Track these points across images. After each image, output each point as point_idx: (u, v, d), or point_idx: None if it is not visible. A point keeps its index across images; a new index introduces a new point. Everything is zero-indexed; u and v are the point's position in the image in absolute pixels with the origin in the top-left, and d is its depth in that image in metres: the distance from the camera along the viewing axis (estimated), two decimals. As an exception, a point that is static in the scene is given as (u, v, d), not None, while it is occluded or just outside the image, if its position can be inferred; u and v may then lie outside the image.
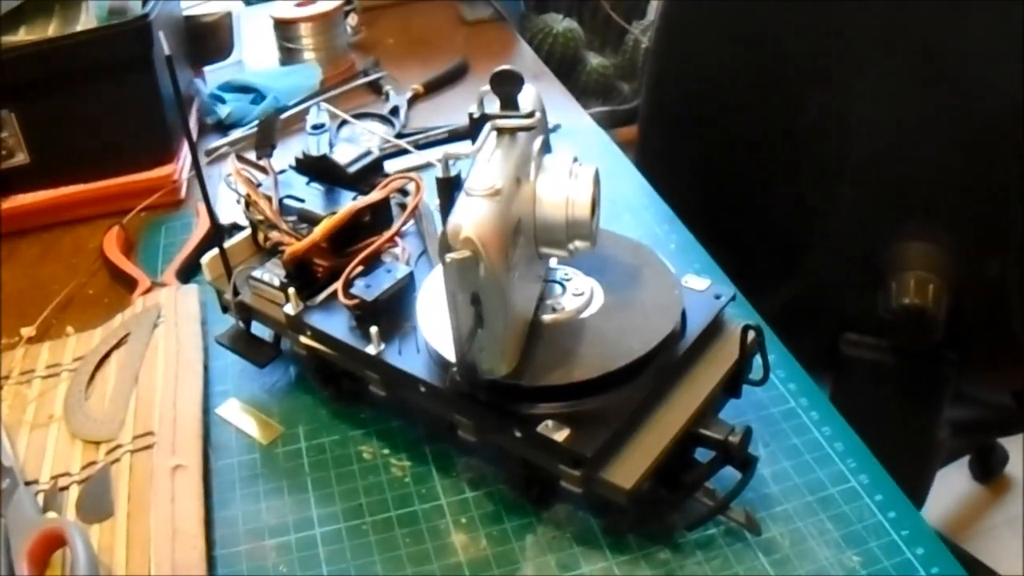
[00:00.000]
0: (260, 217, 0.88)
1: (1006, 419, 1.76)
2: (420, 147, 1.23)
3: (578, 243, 0.76)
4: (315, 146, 0.93)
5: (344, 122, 0.95)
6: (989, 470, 2.28)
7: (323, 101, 0.95)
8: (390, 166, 0.95)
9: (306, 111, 1.26)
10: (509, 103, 0.74)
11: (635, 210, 1.13)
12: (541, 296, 0.80)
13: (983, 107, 1.15)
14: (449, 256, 0.66)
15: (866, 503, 0.77)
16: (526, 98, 0.75)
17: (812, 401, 0.86)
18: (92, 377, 0.93)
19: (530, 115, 0.73)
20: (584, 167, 0.75)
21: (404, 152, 1.15)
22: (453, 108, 1.43)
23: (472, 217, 0.67)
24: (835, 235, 1.29)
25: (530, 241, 0.75)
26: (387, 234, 0.86)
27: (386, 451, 0.85)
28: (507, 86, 0.73)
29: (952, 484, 2.24)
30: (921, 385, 1.33)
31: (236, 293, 0.89)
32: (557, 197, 0.74)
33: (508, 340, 0.72)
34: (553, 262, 0.82)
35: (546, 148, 0.78)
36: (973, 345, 1.28)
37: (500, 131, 0.74)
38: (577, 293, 0.80)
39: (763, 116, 1.30)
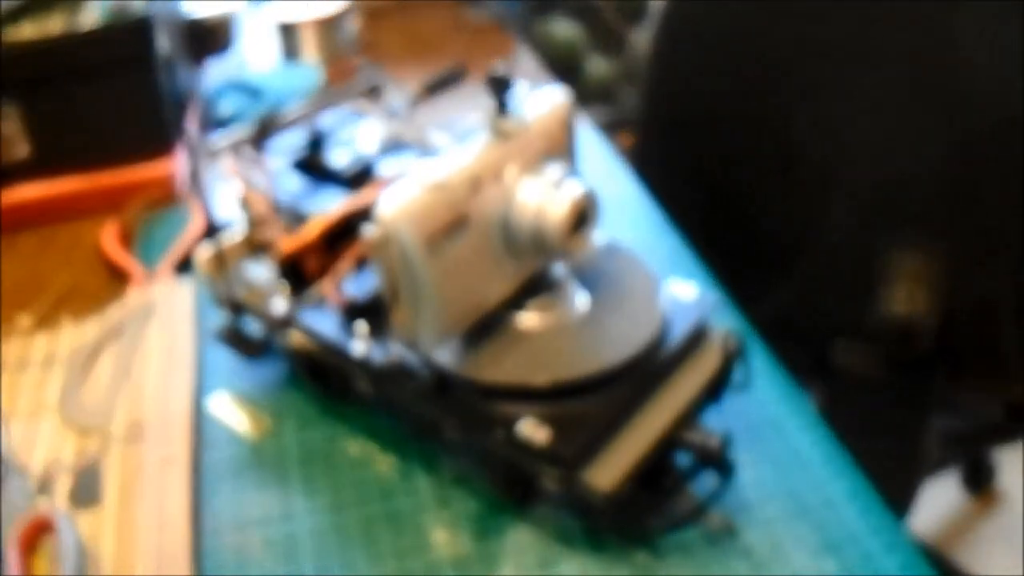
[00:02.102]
0: (255, 215, 0.89)
1: (996, 430, 1.77)
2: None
3: (553, 256, 0.78)
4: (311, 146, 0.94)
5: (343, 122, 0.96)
6: (979, 481, 2.28)
7: (362, 109, 0.96)
8: (386, 167, 0.96)
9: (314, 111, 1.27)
10: (500, 104, 0.75)
11: (628, 215, 1.14)
12: (524, 296, 0.81)
13: (976, 119, 1.16)
14: (363, 231, 0.70)
15: (844, 510, 0.78)
16: (557, 108, 0.79)
17: (795, 408, 0.87)
18: (86, 368, 0.94)
19: (518, 120, 0.75)
20: (574, 183, 0.77)
21: (400, 154, 1.16)
22: (452, 111, 1.43)
23: (396, 201, 0.70)
24: (827, 243, 1.30)
25: (493, 239, 0.77)
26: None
27: (372, 448, 0.86)
28: (497, 87, 0.75)
29: (942, 495, 2.24)
30: (910, 394, 1.34)
31: (229, 289, 0.90)
32: (531, 202, 0.76)
33: (427, 320, 0.74)
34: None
35: (563, 159, 0.80)
36: (963, 356, 1.28)
37: (493, 129, 0.76)
38: (562, 295, 0.81)
39: (758, 124, 1.31)
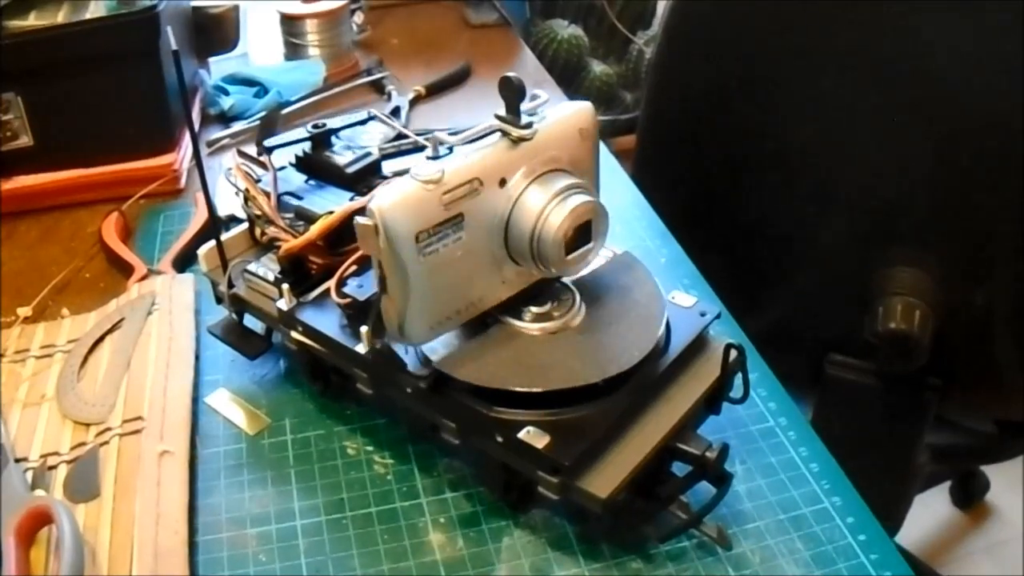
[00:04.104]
0: (258, 212, 0.89)
1: (988, 447, 1.77)
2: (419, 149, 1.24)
3: (549, 267, 0.78)
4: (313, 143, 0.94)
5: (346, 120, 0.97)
6: (969, 496, 2.29)
7: (374, 112, 0.96)
8: (389, 167, 0.96)
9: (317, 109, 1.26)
10: (511, 109, 0.75)
11: (627, 222, 1.14)
12: (527, 302, 0.81)
13: (974, 136, 1.16)
14: (356, 219, 0.72)
15: (837, 524, 0.78)
16: (577, 120, 0.79)
17: (791, 421, 0.88)
18: (85, 360, 0.94)
19: (526, 127, 0.75)
20: (578, 196, 0.77)
21: (404, 153, 1.16)
22: (454, 111, 1.44)
23: (391, 194, 0.71)
24: (825, 256, 1.30)
25: (491, 241, 0.77)
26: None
27: (370, 448, 0.86)
28: (508, 92, 0.75)
29: (932, 509, 2.25)
30: (903, 409, 1.34)
31: (231, 286, 0.90)
32: (533, 209, 0.76)
33: (414, 312, 0.75)
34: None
35: (580, 172, 0.80)
36: (957, 372, 1.29)
37: (503, 133, 0.76)
38: (564, 303, 0.81)
39: (759, 136, 1.31)
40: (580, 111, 0.80)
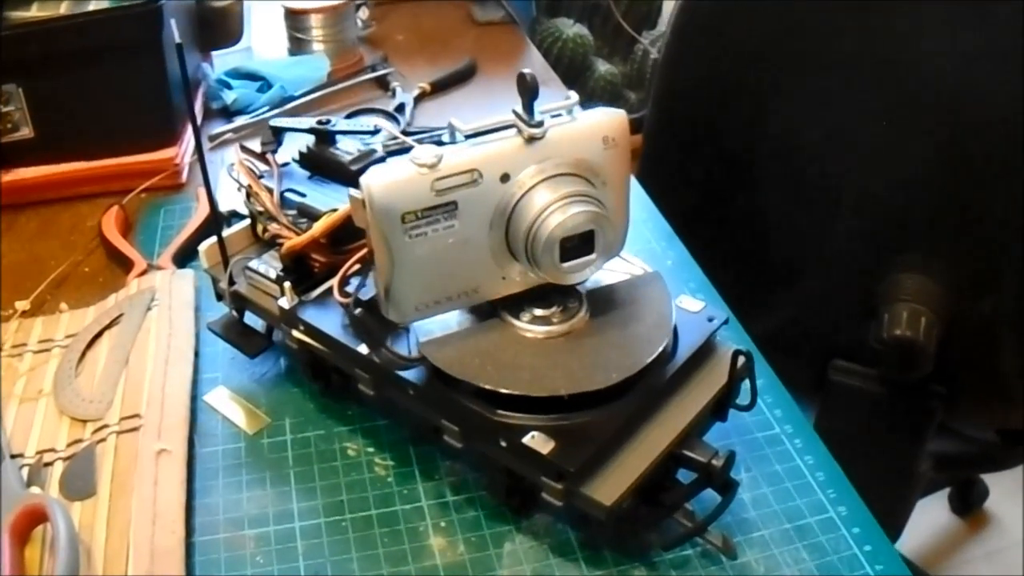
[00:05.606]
0: (260, 209, 0.89)
1: (990, 455, 1.76)
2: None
3: (542, 272, 0.77)
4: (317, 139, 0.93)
5: (348, 117, 0.96)
6: (968, 504, 2.28)
7: (376, 112, 0.96)
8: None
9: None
10: (524, 106, 0.75)
11: (634, 224, 1.11)
12: (534, 304, 0.80)
13: (982, 144, 1.16)
14: (350, 191, 0.75)
15: (843, 534, 0.77)
16: (609, 124, 0.78)
17: (797, 429, 0.87)
18: (83, 355, 0.93)
19: (537, 125, 0.74)
20: (581, 204, 0.75)
21: (408, 151, 1.15)
22: (459, 108, 1.43)
23: (384, 173, 0.73)
24: (831, 262, 1.30)
25: (491, 233, 0.76)
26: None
27: (371, 449, 0.85)
28: (522, 89, 0.74)
29: (931, 516, 2.24)
30: (906, 416, 1.33)
31: (232, 283, 0.89)
32: (534, 209, 0.75)
33: (400, 287, 0.76)
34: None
35: (601, 179, 0.79)
36: (961, 380, 1.28)
37: (519, 129, 0.75)
38: (569, 310, 0.80)
39: (766, 138, 1.30)
40: (609, 118, 0.78)
